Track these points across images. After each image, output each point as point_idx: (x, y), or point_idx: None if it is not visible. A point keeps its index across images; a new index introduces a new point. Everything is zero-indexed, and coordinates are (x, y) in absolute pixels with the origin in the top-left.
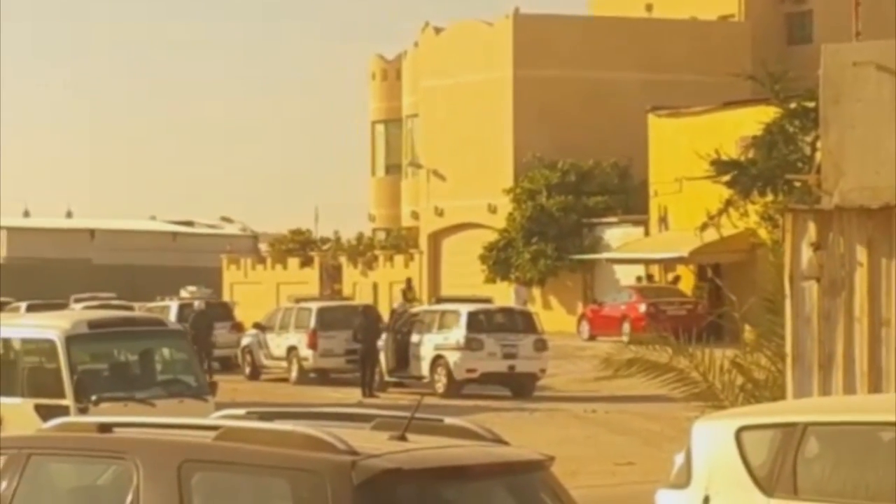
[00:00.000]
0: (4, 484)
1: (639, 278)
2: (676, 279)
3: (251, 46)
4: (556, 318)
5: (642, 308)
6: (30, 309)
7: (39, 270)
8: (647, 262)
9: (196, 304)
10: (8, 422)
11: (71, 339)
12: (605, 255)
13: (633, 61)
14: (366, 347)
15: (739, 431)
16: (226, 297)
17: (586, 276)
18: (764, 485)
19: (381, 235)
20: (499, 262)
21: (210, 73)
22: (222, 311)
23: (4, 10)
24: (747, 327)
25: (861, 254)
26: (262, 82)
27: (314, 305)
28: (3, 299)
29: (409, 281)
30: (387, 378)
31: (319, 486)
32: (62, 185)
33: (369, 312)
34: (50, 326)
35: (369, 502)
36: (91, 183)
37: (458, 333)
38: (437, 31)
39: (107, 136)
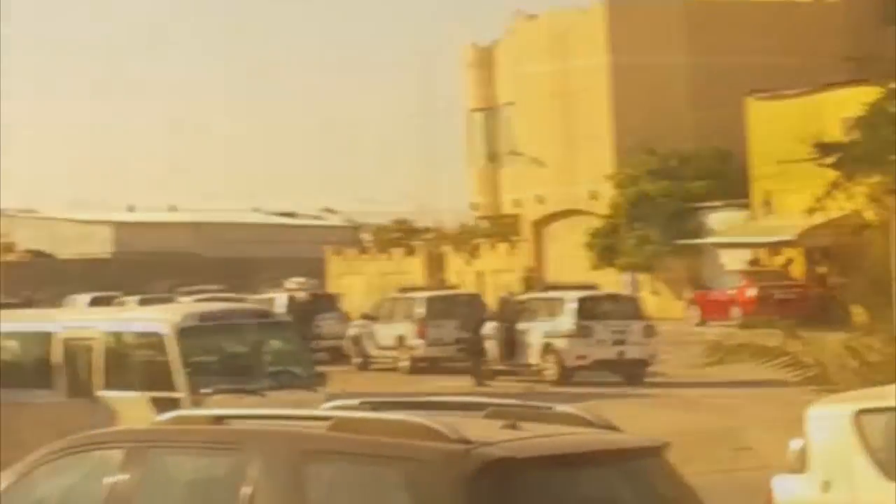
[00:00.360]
0: (125, 477)
1: (752, 262)
2: (788, 262)
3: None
4: (662, 303)
5: (752, 292)
6: (142, 303)
7: (147, 264)
8: (754, 246)
9: (298, 295)
10: (123, 415)
11: (182, 332)
12: (714, 239)
13: (729, 45)
14: (471, 336)
15: (858, 415)
16: (331, 288)
17: (692, 261)
18: (886, 469)
19: (484, 224)
20: (604, 248)
21: (310, 67)
22: (328, 302)
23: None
24: (857, 309)
25: None
26: (362, 74)
27: (423, 295)
28: (113, 293)
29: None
30: (497, 367)
31: (433, 476)
32: (166, 179)
33: (473, 301)
34: (161, 320)
35: (483, 491)
36: (195, 176)
37: (567, 321)
38: (531, 17)
39: (209, 130)
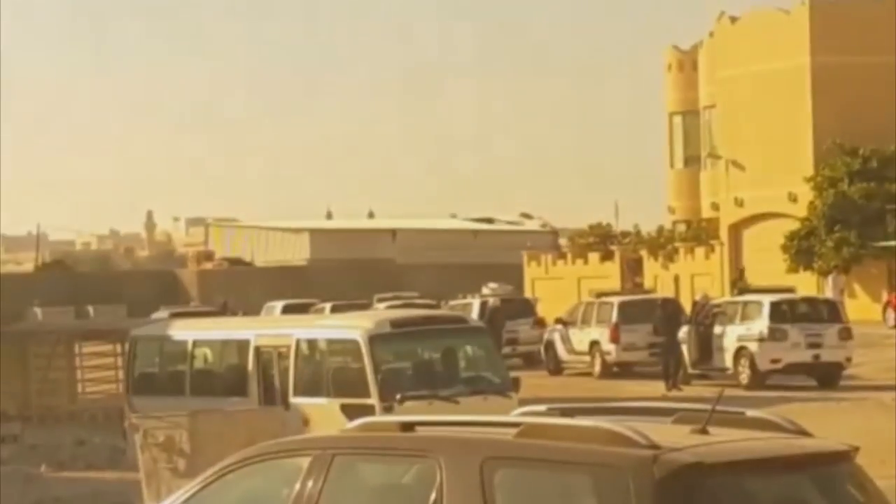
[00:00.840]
0: (310, 483)
1: None
2: None
3: (545, 41)
4: (860, 306)
5: None
6: (334, 309)
7: (343, 271)
8: None
9: (491, 301)
10: (315, 422)
11: (374, 339)
12: None
13: None
14: (668, 340)
15: None
16: (527, 294)
17: (891, 264)
18: None
19: (682, 228)
20: (801, 251)
21: (502, 74)
22: (524, 307)
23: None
24: None
25: None
26: (557, 78)
27: (616, 299)
28: (308, 300)
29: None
30: (690, 370)
31: (621, 482)
32: (364, 186)
33: (668, 305)
34: (354, 327)
35: (672, 497)
36: (392, 183)
37: (761, 324)
38: (733, 20)
39: (403, 139)
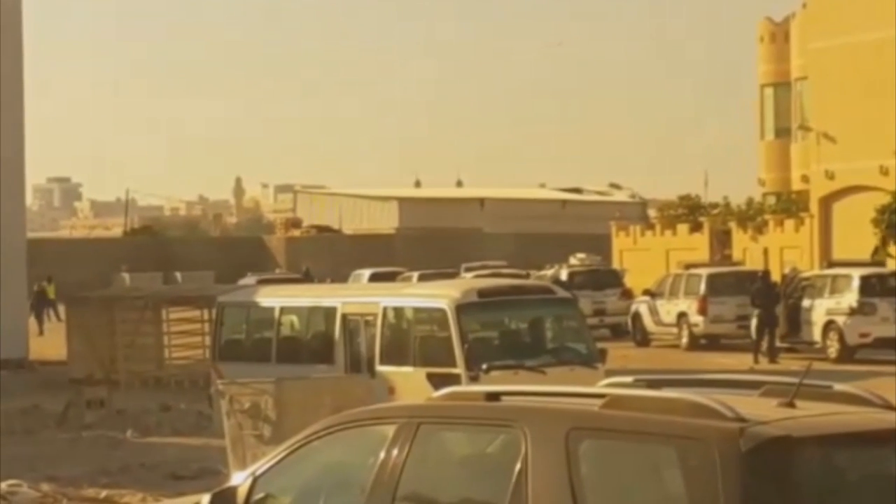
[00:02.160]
0: (396, 451)
1: None
2: None
3: (638, 17)
4: None
5: None
6: (421, 278)
7: (431, 240)
8: None
9: (579, 270)
10: (400, 390)
11: (461, 308)
12: None
13: None
14: (765, 313)
15: None
16: (615, 264)
17: None
18: None
19: (771, 200)
20: (891, 224)
21: (595, 45)
22: (612, 278)
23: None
24: None
25: None
26: (652, 49)
27: (704, 271)
28: (395, 269)
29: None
30: (778, 344)
31: (707, 454)
32: (453, 155)
33: (767, 278)
34: (440, 296)
35: (758, 470)
36: (481, 152)
37: (850, 297)
38: None
39: (493, 108)
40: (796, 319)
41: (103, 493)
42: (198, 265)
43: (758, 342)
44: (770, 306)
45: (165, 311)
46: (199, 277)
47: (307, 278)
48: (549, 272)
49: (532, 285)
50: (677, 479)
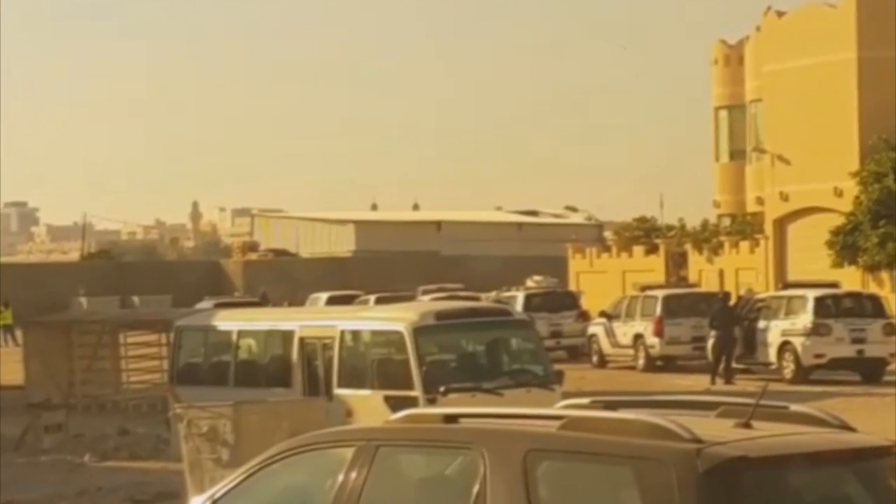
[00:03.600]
0: (354, 474)
1: None
2: None
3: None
4: None
5: None
6: (378, 301)
7: (388, 262)
8: None
9: (534, 293)
10: (358, 413)
11: (418, 331)
12: None
13: None
14: (724, 335)
15: None
16: (571, 286)
17: None
18: None
19: (726, 222)
20: (845, 246)
21: (550, 68)
22: (568, 300)
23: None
24: None
25: None
26: (607, 72)
27: (660, 293)
28: (352, 292)
29: None
30: (734, 365)
31: (664, 475)
32: (409, 178)
33: (727, 300)
34: (398, 319)
35: (715, 490)
36: (437, 175)
37: (805, 318)
38: (780, 14)
39: (450, 131)
40: (752, 341)
41: None
42: (155, 289)
43: (715, 364)
44: (729, 328)
45: (123, 335)
46: (156, 301)
47: (264, 302)
48: (492, 295)
49: (489, 308)
50: (635, 500)
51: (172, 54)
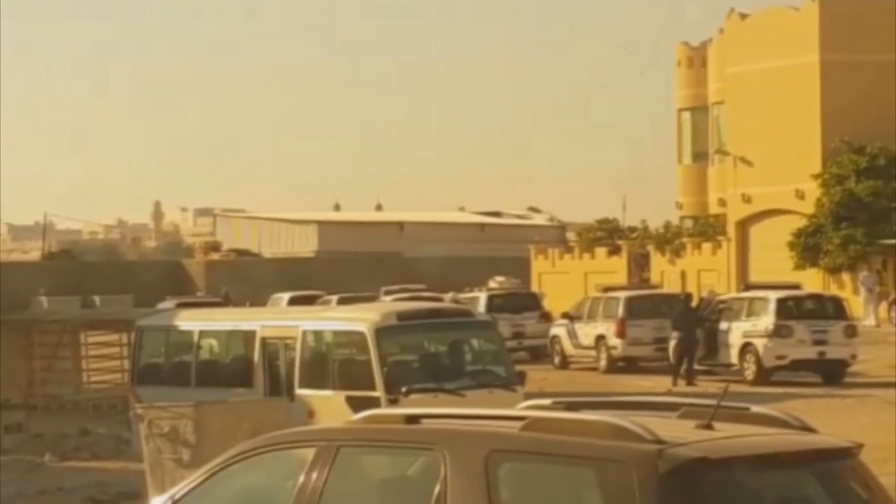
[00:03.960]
0: (315, 475)
1: None
2: None
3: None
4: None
5: None
6: (340, 302)
7: (350, 263)
8: None
9: (497, 294)
10: (320, 413)
11: (380, 332)
12: None
13: None
14: (686, 336)
15: None
16: (534, 287)
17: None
18: None
19: (689, 223)
20: (807, 248)
21: (514, 69)
22: (530, 301)
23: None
24: None
25: None
26: (567, 75)
27: (622, 294)
28: (314, 292)
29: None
30: (696, 366)
31: (626, 476)
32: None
33: (689, 301)
34: (360, 319)
35: (676, 491)
36: (400, 176)
37: (766, 320)
38: (743, 16)
39: (413, 131)
40: (713, 342)
41: None
42: (116, 289)
43: (677, 365)
44: (691, 329)
45: (84, 334)
46: (117, 301)
47: (227, 302)
48: (448, 296)
49: (451, 308)
50: (596, 501)
51: (134, 54)
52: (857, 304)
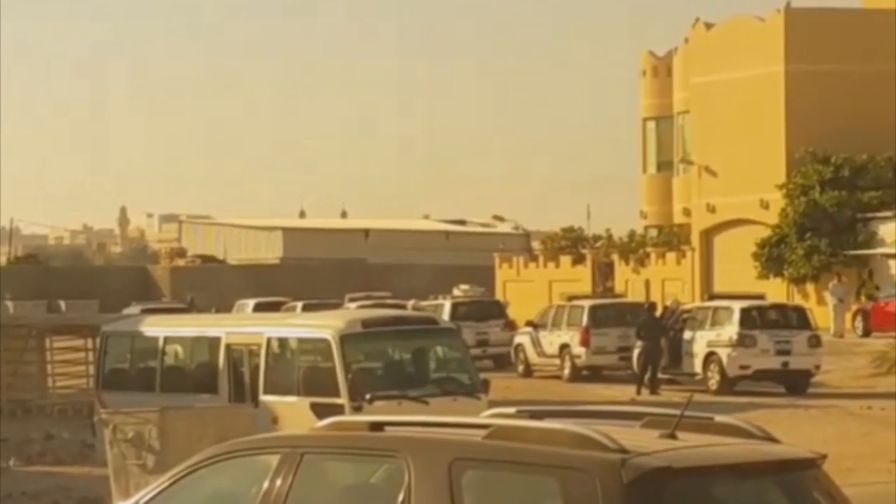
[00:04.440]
0: (279, 481)
1: None
2: None
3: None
4: (829, 313)
5: None
6: (305, 308)
7: (315, 270)
8: None
9: (462, 302)
10: (284, 420)
11: (345, 339)
12: (881, 250)
13: None
14: (650, 345)
15: None
16: (498, 296)
17: (861, 272)
18: None
19: (653, 232)
20: (771, 258)
21: (480, 77)
22: (495, 310)
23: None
24: None
25: None
26: (531, 83)
27: (586, 303)
28: (279, 299)
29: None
30: (660, 375)
31: (589, 485)
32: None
33: (653, 310)
34: (324, 326)
35: (639, 500)
36: (365, 183)
37: (730, 330)
38: (708, 26)
39: (378, 139)
40: (677, 351)
41: None
42: (82, 294)
43: (641, 374)
44: (655, 339)
45: (49, 339)
46: (83, 306)
47: (192, 308)
48: (410, 303)
49: (416, 316)
50: None
51: (99, 58)
52: (821, 314)
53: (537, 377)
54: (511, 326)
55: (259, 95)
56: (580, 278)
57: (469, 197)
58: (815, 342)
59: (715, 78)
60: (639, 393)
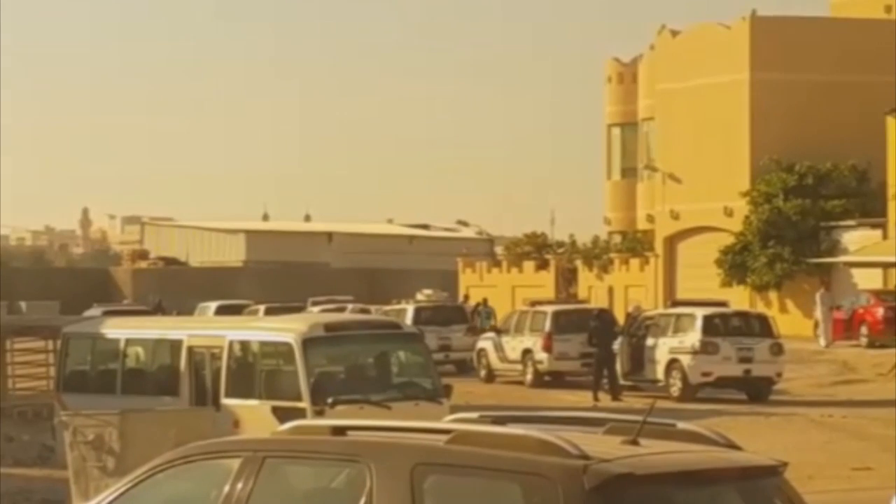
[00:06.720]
0: (240, 485)
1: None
2: None
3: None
4: (792, 321)
5: (880, 312)
6: (268, 312)
7: (278, 273)
8: (885, 266)
9: (425, 306)
10: (245, 423)
11: (307, 342)
12: (843, 258)
13: (871, 63)
14: (602, 351)
15: None
16: (461, 300)
17: (824, 280)
18: None
19: (617, 239)
20: (735, 265)
21: (445, 81)
22: (458, 314)
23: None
24: None
25: None
26: (497, 88)
27: (549, 308)
28: (242, 302)
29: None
30: (621, 382)
31: (551, 491)
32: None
33: (604, 316)
34: (287, 329)
35: None
36: (329, 186)
37: (693, 337)
38: (674, 33)
39: (342, 142)
40: (640, 357)
41: None
42: (43, 295)
43: (596, 380)
44: (607, 344)
45: (10, 341)
46: (44, 308)
47: (159, 311)
48: (373, 308)
49: (378, 320)
50: None
51: (64, 57)
52: (783, 322)
53: (500, 382)
54: (474, 331)
55: (221, 98)
56: (543, 284)
57: (433, 202)
58: (778, 350)
59: (680, 85)
60: (596, 398)
